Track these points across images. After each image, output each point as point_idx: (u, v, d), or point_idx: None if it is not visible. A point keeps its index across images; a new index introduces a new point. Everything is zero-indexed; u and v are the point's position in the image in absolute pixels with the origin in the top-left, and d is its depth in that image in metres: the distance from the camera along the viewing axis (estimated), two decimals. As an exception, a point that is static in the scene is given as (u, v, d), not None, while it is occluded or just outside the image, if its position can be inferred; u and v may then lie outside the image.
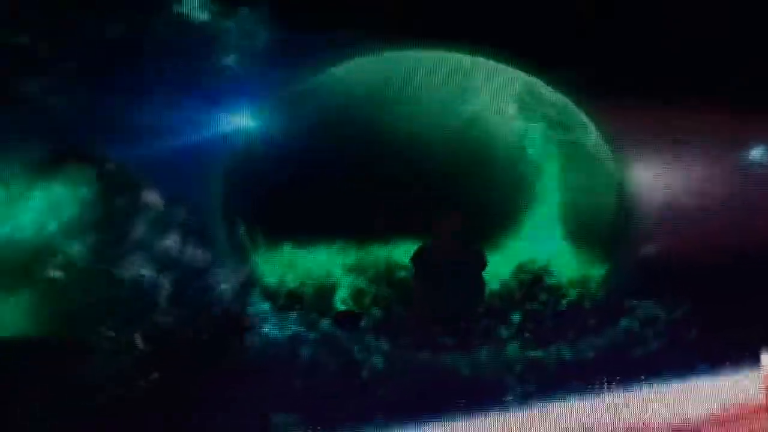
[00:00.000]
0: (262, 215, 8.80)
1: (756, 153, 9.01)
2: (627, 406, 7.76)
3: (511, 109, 9.51)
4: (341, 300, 9.04)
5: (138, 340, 7.35)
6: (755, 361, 8.11)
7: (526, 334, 8.75)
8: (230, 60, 8.12)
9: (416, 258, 9.15)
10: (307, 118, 8.84)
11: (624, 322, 8.67)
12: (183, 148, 7.95)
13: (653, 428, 7.76)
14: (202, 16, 8.00)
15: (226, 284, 7.91)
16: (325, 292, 9.00)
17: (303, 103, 8.85)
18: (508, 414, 7.50)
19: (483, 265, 9.14)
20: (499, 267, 9.31)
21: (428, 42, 8.86)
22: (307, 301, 8.88)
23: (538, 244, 9.50)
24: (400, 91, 9.14)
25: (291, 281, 8.99)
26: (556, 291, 9.27)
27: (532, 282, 9.28)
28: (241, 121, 8.38)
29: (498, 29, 8.58)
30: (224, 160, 8.56)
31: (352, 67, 8.96)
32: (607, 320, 8.70)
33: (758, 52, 8.64)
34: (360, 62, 8.95)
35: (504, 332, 8.76)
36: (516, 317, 8.92)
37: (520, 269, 9.39)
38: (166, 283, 7.61)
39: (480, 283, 9.12)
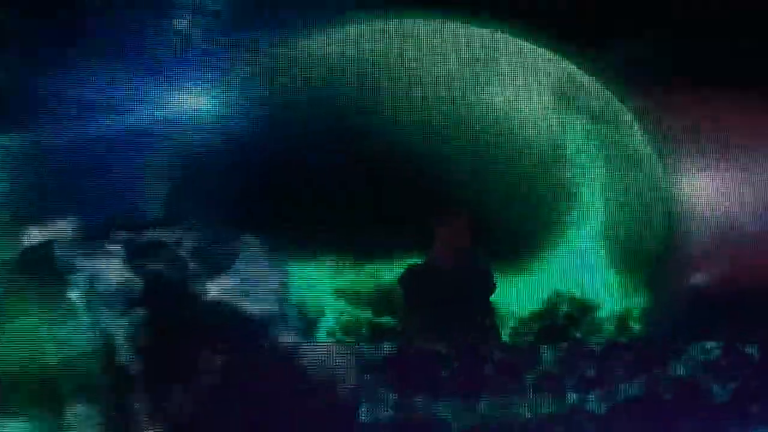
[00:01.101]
0: (226, 222, 7.50)
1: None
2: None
3: (545, 99, 8.48)
4: (327, 330, 7.91)
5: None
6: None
7: (551, 380, 7.87)
8: (183, 23, 6.98)
9: (405, 279, 7.99)
10: (285, 99, 7.72)
11: (674, 367, 8.06)
12: (122, 133, 6.86)
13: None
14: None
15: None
16: (309, 319, 7.82)
17: (279, 79, 7.72)
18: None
19: (490, 288, 8.13)
20: (523, 296, 8.30)
21: (445, 7, 7.98)
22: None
23: (574, 270, 8.45)
24: (408, 70, 8.03)
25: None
26: (593, 328, 8.37)
27: (564, 315, 8.36)
28: (196, 102, 7.22)
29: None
30: (175, 151, 7.37)
31: (345, 34, 7.89)
32: (654, 364, 8.06)
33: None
34: (356, 29, 7.90)
35: (523, 379, 7.83)
36: (542, 358, 7.98)
37: (551, 298, 8.36)
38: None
39: (487, 310, 8.13)
